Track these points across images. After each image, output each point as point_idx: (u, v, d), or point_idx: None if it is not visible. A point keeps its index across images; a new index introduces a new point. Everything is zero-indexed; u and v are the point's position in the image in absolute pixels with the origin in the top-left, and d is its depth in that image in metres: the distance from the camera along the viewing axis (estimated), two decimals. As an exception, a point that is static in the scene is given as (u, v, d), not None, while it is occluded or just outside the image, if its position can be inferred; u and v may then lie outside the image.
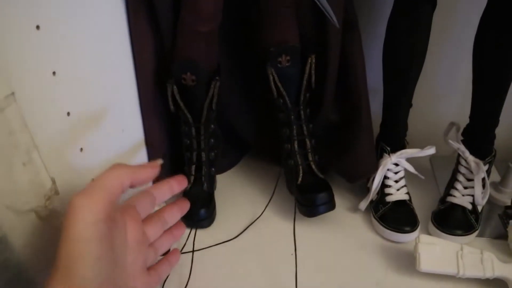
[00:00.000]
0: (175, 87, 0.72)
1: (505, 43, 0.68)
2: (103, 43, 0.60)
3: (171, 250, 0.51)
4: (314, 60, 0.73)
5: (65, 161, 0.54)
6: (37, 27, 0.47)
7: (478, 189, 0.75)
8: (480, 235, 0.76)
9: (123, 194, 0.40)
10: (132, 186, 0.38)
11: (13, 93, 0.44)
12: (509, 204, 0.81)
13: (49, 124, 0.50)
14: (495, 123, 0.76)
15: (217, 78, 0.73)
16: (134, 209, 0.41)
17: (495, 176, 0.89)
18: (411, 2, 0.71)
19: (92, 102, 0.59)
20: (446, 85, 0.99)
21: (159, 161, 0.41)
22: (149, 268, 0.42)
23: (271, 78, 0.73)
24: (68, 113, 0.53)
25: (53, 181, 0.49)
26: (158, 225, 0.44)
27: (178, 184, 0.45)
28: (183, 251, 0.72)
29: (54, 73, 0.50)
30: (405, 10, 0.72)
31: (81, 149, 0.57)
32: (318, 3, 0.60)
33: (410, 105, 0.80)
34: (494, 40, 0.69)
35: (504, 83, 0.72)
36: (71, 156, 0.55)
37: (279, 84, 0.73)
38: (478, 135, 0.78)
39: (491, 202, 0.85)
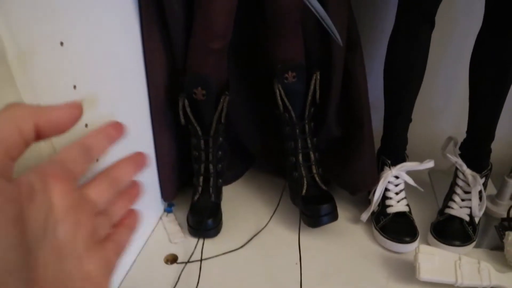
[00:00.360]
0: (186, 100, 0.74)
1: (500, 61, 0.72)
2: (118, 59, 0.63)
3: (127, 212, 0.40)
4: (318, 77, 0.76)
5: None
6: (61, 43, 0.49)
7: (475, 201, 0.77)
8: (477, 246, 0.79)
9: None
10: (41, 135, 0.27)
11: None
12: (505, 216, 0.84)
13: (68, 135, 0.52)
14: (491, 137, 0.79)
15: (226, 93, 0.75)
16: (57, 166, 0.29)
17: (492, 189, 0.92)
18: (411, 22, 0.74)
19: (107, 115, 0.61)
20: (444, 101, 1.02)
21: (80, 101, 0.32)
22: (104, 240, 0.33)
23: (277, 93, 0.75)
24: (86, 125, 0.55)
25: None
26: (106, 185, 0.34)
27: (115, 129, 0.35)
28: (191, 259, 0.74)
29: (74, 87, 0.53)
30: (405, 29, 0.76)
31: (97, 160, 0.59)
32: (323, 22, 0.63)
33: (410, 120, 0.83)
34: (489, 58, 0.73)
35: (499, 99, 0.75)
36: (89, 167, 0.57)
37: (285, 99, 0.76)
38: (475, 149, 0.81)
39: (487, 214, 0.87)
